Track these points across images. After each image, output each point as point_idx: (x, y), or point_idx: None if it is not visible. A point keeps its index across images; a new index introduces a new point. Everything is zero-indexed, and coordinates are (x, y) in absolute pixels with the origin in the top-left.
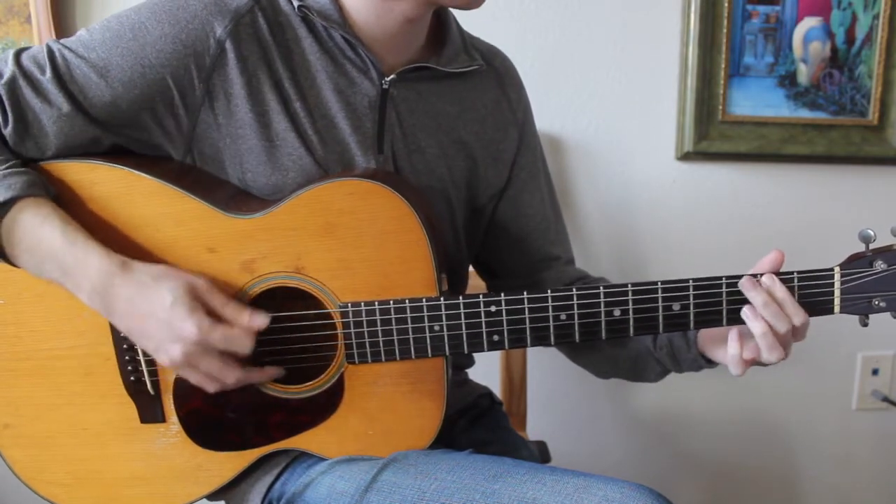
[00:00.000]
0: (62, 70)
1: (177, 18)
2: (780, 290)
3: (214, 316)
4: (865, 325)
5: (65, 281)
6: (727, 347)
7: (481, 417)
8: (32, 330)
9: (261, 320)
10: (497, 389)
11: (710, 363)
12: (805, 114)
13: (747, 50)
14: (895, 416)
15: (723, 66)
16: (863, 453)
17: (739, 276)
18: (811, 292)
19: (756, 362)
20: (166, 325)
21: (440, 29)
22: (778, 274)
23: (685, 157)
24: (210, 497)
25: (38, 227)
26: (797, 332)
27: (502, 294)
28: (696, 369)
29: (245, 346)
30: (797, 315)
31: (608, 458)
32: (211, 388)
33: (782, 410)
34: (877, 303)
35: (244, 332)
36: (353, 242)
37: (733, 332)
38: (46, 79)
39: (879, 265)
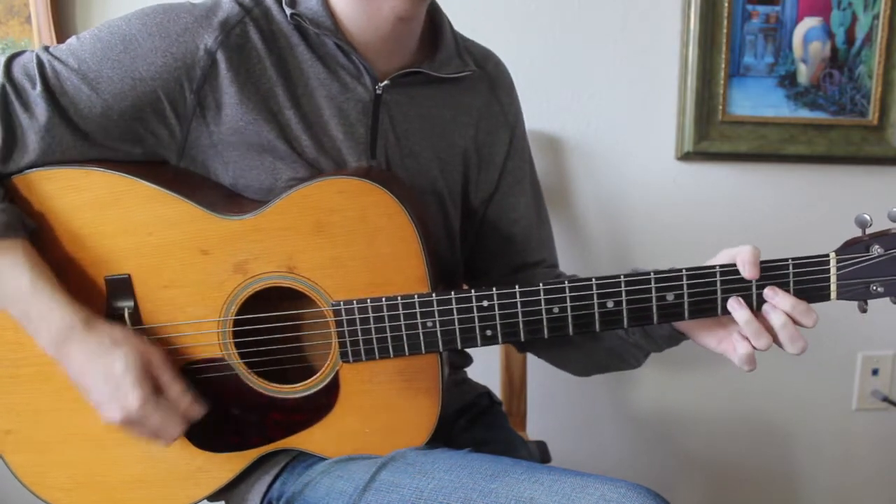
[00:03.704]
0: (52, 82)
1: (167, 31)
2: (780, 309)
3: (160, 389)
4: (864, 311)
5: (25, 325)
6: (736, 348)
7: (480, 417)
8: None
9: (198, 411)
10: (497, 389)
11: (686, 335)
12: (805, 114)
13: (747, 50)
14: (895, 416)
15: (723, 66)
16: (863, 453)
17: (733, 266)
18: (806, 279)
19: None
20: (113, 390)
21: (434, 33)
22: (770, 262)
23: (685, 157)
24: (210, 498)
25: (7, 273)
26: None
27: (494, 289)
28: (675, 344)
29: (175, 432)
30: (793, 345)
31: (608, 458)
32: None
33: (782, 410)
34: (875, 288)
35: (178, 420)
36: (344, 241)
37: (737, 335)
38: (37, 92)
39: (876, 249)
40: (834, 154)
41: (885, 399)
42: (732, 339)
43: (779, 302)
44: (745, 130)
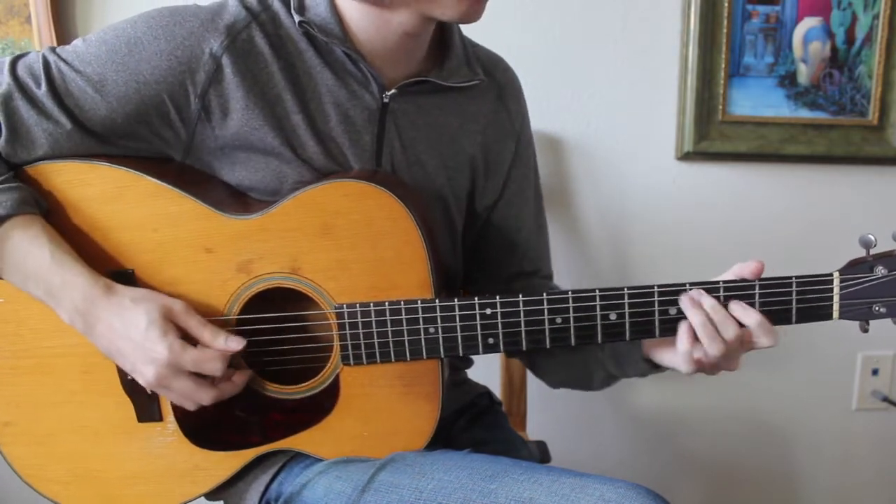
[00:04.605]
0: (58, 83)
1: (173, 35)
2: (711, 307)
3: (191, 339)
4: (866, 331)
5: (47, 299)
6: (677, 344)
7: (480, 417)
8: (32, 328)
9: (236, 343)
10: (497, 389)
11: (656, 368)
12: (805, 114)
13: (747, 50)
14: (895, 416)
15: (723, 66)
16: (863, 453)
17: (738, 282)
18: (809, 297)
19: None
20: (140, 347)
21: (443, 41)
22: (773, 279)
23: (685, 157)
24: (208, 496)
25: (27, 247)
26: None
27: (497, 297)
28: (641, 374)
29: (216, 369)
30: (727, 331)
31: (608, 458)
32: (188, 406)
33: (782, 410)
34: (877, 308)
35: (216, 355)
36: (349, 244)
37: (683, 326)
38: (42, 92)
39: (880, 271)
40: (834, 154)
41: (885, 399)
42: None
43: (745, 316)
44: (745, 130)
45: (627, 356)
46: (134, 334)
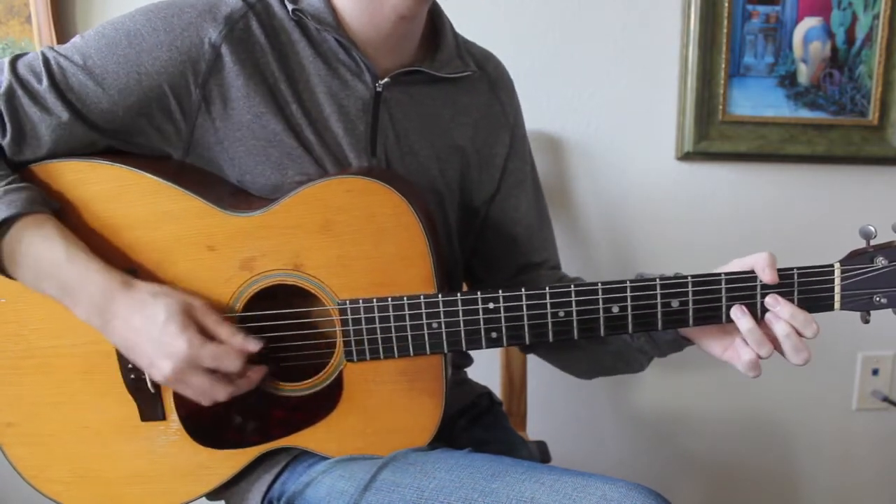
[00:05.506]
0: (58, 78)
1: (172, 26)
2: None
3: (208, 335)
4: (867, 321)
5: (62, 297)
6: (740, 355)
7: (481, 417)
8: (34, 328)
9: (254, 345)
10: (497, 389)
11: (690, 341)
12: (805, 114)
13: (747, 50)
14: (895, 416)
15: (723, 66)
16: (863, 453)
17: (739, 274)
18: (811, 289)
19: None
20: (158, 341)
21: (435, 34)
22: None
23: (685, 157)
24: (210, 496)
25: (40, 245)
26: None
27: (500, 291)
28: (678, 349)
29: (234, 365)
30: (796, 355)
31: (608, 457)
32: (204, 402)
33: (782, 410)
34: (878, 299)
35: (234, 351)
36: (351, 240)
37: (741, 342)
38: (43, 88)
39: (880, 261)
40: (834, 154)
41: (885, 399)
42: (736, 346)
43: (779, 311)
44: (745, 130)
45: (663, 335)
46: (152, 328)
